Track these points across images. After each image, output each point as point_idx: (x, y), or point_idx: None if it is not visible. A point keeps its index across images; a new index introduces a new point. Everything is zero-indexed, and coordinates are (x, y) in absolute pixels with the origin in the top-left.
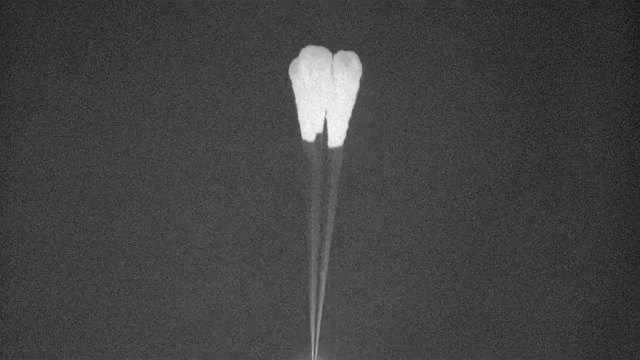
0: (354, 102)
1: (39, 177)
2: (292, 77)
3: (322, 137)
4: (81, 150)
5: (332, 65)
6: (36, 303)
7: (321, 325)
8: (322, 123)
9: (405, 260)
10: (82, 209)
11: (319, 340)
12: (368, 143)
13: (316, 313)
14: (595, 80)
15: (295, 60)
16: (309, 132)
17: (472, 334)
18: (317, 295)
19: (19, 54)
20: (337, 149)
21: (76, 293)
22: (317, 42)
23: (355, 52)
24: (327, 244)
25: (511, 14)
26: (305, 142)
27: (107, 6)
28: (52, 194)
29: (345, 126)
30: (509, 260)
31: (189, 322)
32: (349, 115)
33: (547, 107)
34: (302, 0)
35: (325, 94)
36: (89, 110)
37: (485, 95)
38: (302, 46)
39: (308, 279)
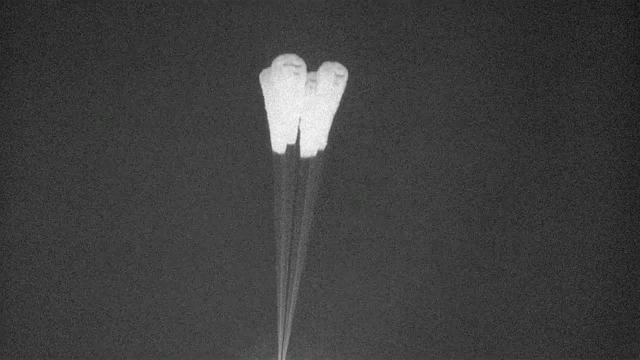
0: (334, 112)
1: (38, 178)
2: (263, 85)
3: (295, 148)
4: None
5: (307, 73)
6: (35, 304)
7: (291, 328)
8: (295, 134)
9: (392, 261)
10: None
11: (288, 344)
12: (347, 153)
13: (285, 320)
14: (596, 81)
15: (266, 69)
16: (279, 143)
17: (454, 336)
18: (287, 310)
19: (19, 55)
20: (311, 159)
21: (65, 294)
22: (298, 51)
23: (341, 59)
24: (299, 261)
25: (510, 13)
26: (276, 154)
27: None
28: (47, 195)
29: (321, 136)
30: (494, 260)
31: (159, 323)
32: (326, 125)
33: (547, 107)
34: (288, 6)
35: (299, 103)
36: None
37: (480, 96)
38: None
39: (277, 295)
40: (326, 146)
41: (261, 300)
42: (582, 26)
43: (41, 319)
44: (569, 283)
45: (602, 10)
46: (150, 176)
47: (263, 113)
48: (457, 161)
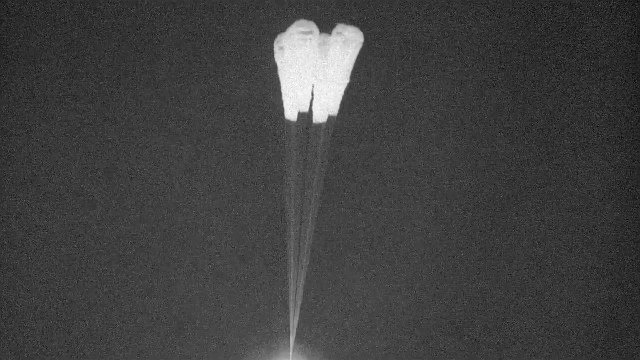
0: (347, 78)
1: (37, 179)
2: (276, 51)
3: (308, 115)
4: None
5: (320, 38)
6: (34, 305)
7: (299, 323)
8: (308, 101)
9: (394, 257)
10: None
11: (297, 340)
12: (360, 124)
13: (294, 310)
14: (596, 81)
15: (279, 35)
16: (291, 110)
17: (453, 335)
18: (296, 292)
19: (19, 55)
20: (322, 124)
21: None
22: (311, 17)
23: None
24: (308, 237)
25: (509, 13)
26: (288, 120)
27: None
28: (48, 195)
29: (334, 102)
30: (496, 260)
31: (163, 321)
32: (339, 91)
33: (546, 107)
34: None
35: (312, 69)
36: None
37: (482, 96)
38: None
39: (287, 275)
40: (337, 112)
41: (270, 290)
42: (582, 26)
43: (41, 319)
44: (570, 283)
45: (602, 10)
46: (154, 153)
47: (275, 81)
48: (458, 160)
